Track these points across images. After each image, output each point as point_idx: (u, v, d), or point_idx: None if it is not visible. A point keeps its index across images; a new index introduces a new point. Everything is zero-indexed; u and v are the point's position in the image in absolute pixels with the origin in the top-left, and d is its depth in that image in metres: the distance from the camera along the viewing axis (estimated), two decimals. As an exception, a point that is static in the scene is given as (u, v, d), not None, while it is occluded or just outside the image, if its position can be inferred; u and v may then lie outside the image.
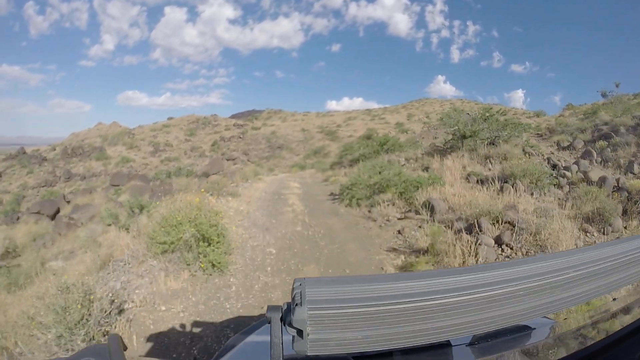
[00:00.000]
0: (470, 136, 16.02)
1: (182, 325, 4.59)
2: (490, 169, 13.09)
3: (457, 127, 16.75)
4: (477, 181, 11.61)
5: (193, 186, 14.02)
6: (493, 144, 15.49)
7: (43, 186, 46.95)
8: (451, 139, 17.33)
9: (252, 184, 13.62)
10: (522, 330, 1.12)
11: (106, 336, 3.96)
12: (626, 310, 1.01)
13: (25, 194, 43.62)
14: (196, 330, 4.46)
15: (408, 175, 10.80)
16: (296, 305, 0.68)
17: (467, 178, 12.38)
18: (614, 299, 1.20)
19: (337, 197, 12.43)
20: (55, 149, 60.00)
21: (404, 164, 16.67)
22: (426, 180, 10.65)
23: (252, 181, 14.31)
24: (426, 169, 15.32)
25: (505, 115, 16.70)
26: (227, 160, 48.38)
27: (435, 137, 27.70)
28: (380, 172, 11.53)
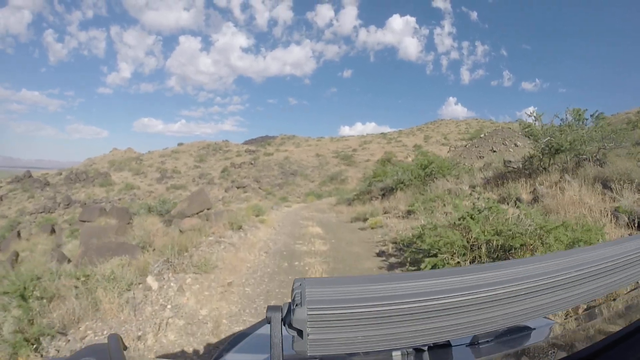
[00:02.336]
0: (567, 150, 10.32)
1: None
2: (620, 199, 7.72)
3: (549, 139, 11.03)
4: (629, 223, 6.40)
5: (154, 236, 8.50)
6: (598, 161, 10.11)
7: (41, 212, 42.37)
8: (536, 155, 11.64)
9: (248, 233, 8.03)
10: (522, 330, 1.07)
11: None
12: (626, 310, 0.98)
13: (22, 220, 39.16)
14: None
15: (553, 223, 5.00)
16: (296, 305, 0.64)
17: (611, 218, 6.95)
18: (614, 299, 1.18)
19: (394, 259, 6.69)
20: (61, 174, 55.55)
21: (470, 194, 10.93)
22: (589, 233, 4.97)
23: (250, 226, 8.73)
24: (515, 201, 9.65)
25: (603, 119, 11.14)
26: (238, 188, 43.10)
27: (481, 157, 22.01)
28: (473, 218, 5.76)
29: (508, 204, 9.72)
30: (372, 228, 9.27)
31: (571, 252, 0.85)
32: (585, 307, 1.94)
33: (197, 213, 9.62)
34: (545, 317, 1.25)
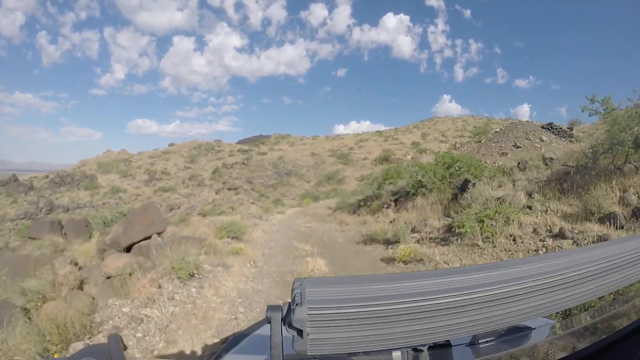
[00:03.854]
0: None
1: None
2: None
3: (637, 128, 7.86)
4: None
5: (58, 289, 5.12)
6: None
7: (22, 219, 38.49)
8: (612, 149, 8.43)
9: (205, 283, 4.61)
10: (522, 330, 1.02)
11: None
12: (626, 310, 0.95)
13: (1, 227, 35.56)
14: None
15: None
16: (296, 305, 0.62)
17: None
18: (614, 299, 1.14)
19: None
20: (48, 177, 51.52)
21: (531, 205, 7.62)
22: None
23: (214, 265, 5.32)
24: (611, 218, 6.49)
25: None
26: (229, 189, 39.58)
27: (504, 153, 18.79)
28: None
29: (604, 222, 6.42)
30: (405, 262, 5.89)
31: (571, 252, 0.82)
32: (585, 307, 1.71)
33: (140, 241, 6.25)
34: (545, 317, 1.18)
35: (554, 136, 19.42)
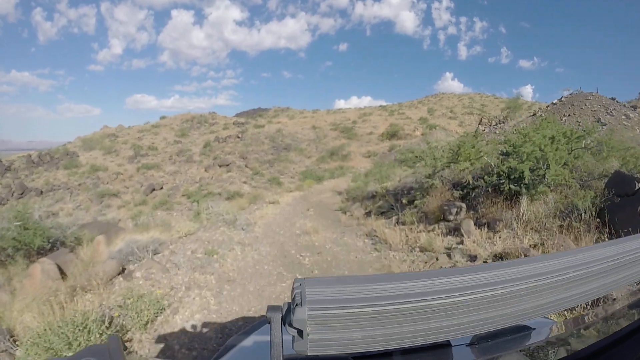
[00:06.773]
0: None
1: None
2: None
3: None
4: None
5: None
6: None
7: (-7, 204, 32.82)
8: None
9: None
10: (522, 330, 0.96)
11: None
12: (626, 310, 0.92)
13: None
14: None
15: None
16: (296, 305, 0.60)
17: None
18: (614, 299, 1.08)
19: None
20: (30, 156, 45.46)
21: None
22: None
23: None
24: None
25: None
26: (220, 166, 33.87)
27: (604, 121, 13.08)
28: None
29: None
30: None
31: (571, 252, 0.78)
32: (585, 307, 1.73)
33: None
34: (545, 317, 1.14)
35: (637, 113, 13.97)
